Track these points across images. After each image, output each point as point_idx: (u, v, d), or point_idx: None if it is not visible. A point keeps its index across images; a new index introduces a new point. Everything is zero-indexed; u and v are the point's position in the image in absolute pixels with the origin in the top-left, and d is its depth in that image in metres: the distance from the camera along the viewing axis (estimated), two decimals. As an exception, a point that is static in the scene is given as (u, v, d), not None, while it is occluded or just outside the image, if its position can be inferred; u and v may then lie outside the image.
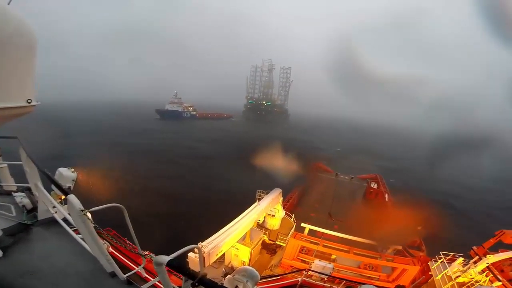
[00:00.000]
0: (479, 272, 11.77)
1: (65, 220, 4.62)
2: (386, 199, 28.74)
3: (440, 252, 13.71)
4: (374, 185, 34.07)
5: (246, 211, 16.62)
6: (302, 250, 15.70)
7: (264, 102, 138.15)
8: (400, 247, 16.78)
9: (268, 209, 18.32)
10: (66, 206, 4.72)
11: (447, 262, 13.21)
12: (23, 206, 4.86)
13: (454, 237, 23.52)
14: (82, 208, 2.88)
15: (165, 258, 2.13)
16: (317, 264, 13.36)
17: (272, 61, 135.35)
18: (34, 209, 4.86)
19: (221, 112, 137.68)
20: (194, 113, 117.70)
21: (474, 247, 12.98)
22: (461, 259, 12.82)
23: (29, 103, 2.95)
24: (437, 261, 13.58)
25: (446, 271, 12.65)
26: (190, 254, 11.99)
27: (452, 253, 13.50)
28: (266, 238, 18.64)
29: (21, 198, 4.99)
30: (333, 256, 15.17)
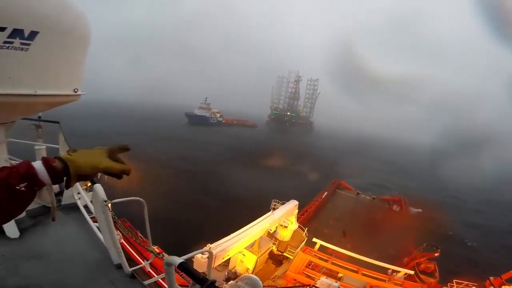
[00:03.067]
0: (491, 304, 11.04)
1: (85, 207, 4.85)
2: (408, 223, 27.51)
3: (453, 280, 12.98)
4: (396, 208, 32.73)
5: (259, 219, 16.79)
6: (309, 265, 15.53)
7: (288, 113, 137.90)
8: (411, 272, 16.03)
9: (282, 219, 18.33)
10: (89, 193, 4.99)
11: None
12: (51, 189, 5.37)
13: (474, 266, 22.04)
14: (106, 198, 2.99)
15: (176, 260, 2.05)
16: (323, 281, 13.18)
17: (299, 72, 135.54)
18: (61, 193, 5.17)
19: (245, 119, 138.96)
20: (221, 119, 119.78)
21: (491, 278, 12.16)
22: (474, 289, 12.09)
23: (75, 92, 3.12)
24: (448, 289, 12.87)
25: (456, 299, 11.98)
26: (197, 255, 12.37)
27: (466, 282, 12.74)
28: (274, 248, 18.51)
29: (49, 181, 5.48)
30: (340, 275, 14.86)
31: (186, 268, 2.01)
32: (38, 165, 1.06)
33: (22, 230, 3.95)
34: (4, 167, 1.03)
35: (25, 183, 1.00)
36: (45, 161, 1.08)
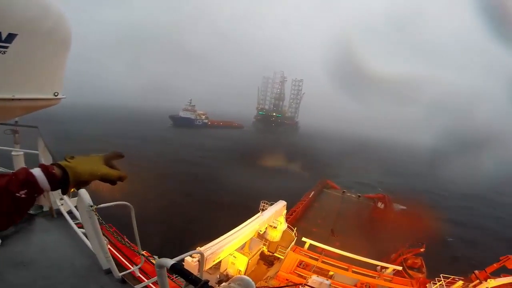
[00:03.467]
0: (477, 296, 11.52)
1: (69, 213, 4.72)
2: (392, 219, 28.33)
3: (440, 275, 13.43)
4: (381, 205, 33.54)
5: (249, 221, 16.70)
6: (300, 264, 15.58)
7: (274, 113, 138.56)
8: (400, 268, 16.46)
9: (271, 220, 18.32)
10: (73, 199, 4.79)
11: (446, 285, 12.92)
12: (31, 196, 5.06)
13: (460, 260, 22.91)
14: (92, 203, 2.95)
15: (168, 262, 2.05)
16: (314, 279, 13.26)
17: (284, 73, 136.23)
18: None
19: (232, 120, 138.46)
20: (206, 121, 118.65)
21: (476, 271, 12.69)
22: (461, 282, 12.59)
23: (56, 96, 3.04)
24: (436, 283, 13.30)
25: (443, 293, 12.40)
26: (187, 258, 12.10)
27: (453, 276, 13.22)
28: (265, 249, 18.55)
29: (30, 187, 5.17)
30: (330, 273, 14.99)
31: (178, 269, 1.99)
32: (37, 172, 1.08)
33: (3, 237, 3.82)
34: (3, 175, 1.04)
35: (25, 190, 1.02)
36: (44, 168, 1.10)
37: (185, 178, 40.07)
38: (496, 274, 12.62)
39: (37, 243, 4.03)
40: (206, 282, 1.82)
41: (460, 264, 20.65)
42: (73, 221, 4.61)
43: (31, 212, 4.73)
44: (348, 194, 37.29)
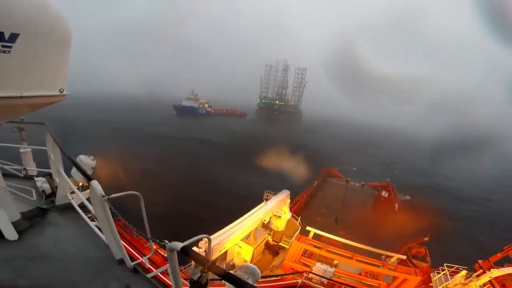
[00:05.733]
0: (480, 286, 11.65)
1: (81, 206, 4.83)
2: (396, 208, 28.38)
3: (444, 264, 13.58)
4: (385, 194, 33.60)
5: (253, 210, 16.81)
6: (304, 253, 15.75)
7: (277, 102, 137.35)
8: (404, 257, 16.62)
9: (275, 210, 18.42)
10: (83, 192, 4.92)
11: (450, 274, 13.08)
12: (43, 191, 5.10)
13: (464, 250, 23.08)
14: (104, 194, 3.04)
15: (178, 245, 2.18)
16: (319, 267, 13.42)
17: (287, 61, 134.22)
18: (53, 194, 5.12)
19: (235, 108, 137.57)
20: (210, 109, 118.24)
21: (480, 261, 12.78)
22: (464, 272, 12.69)
23: (61, 92, 3.19)
24: (439, 273, 13.46)
25: (447, 283, 12.56)
26: (193, 248, 12.29)
27: (456, 266, 13.36)
28: (270, 238, 18.73)
29: (41, 183, 5.22)
30: (335, 262, 15.16)
31: (188, 251, 2.13)
32: None
33: (19, 232, 3.96)
34: None
35: None
36: None
37: (186, 168, 40.24)
38: (499, 263, 12.71)
39: (52, 237, 4.18)
40: (214, 262, 1.97)
41: (463, 253, 20.80)
42: (85, 214, 4.70)
43: (44, 206, 4.83)
44: (352, 183, 37.23)
